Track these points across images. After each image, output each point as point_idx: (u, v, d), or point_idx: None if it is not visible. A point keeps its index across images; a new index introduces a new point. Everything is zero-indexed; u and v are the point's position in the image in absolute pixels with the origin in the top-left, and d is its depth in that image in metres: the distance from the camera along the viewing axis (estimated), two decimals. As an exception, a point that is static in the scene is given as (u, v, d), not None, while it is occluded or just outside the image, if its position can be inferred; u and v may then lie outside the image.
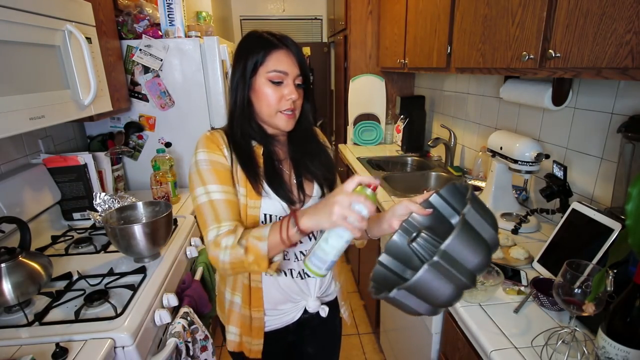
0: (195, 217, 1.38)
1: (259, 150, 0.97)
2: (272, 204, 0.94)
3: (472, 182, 1.90)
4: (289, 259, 1.00)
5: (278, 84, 0.91)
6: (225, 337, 1.06)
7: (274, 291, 1.01)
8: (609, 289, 0.77)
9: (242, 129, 0.96)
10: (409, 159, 2.65)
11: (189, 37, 2.00)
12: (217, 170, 0.91)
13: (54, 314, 1.07)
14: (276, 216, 0.95)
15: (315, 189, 1.01)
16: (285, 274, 1.00)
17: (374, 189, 0.77)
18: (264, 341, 1.03)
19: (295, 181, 0.99)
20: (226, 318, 1.05)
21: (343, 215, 0.72)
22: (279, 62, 0.90)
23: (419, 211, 0.82)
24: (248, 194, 0.92)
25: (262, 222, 0.95)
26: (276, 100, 0.92)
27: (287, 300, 1.03)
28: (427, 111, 2.78)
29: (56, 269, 1.28)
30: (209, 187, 0.89)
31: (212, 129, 1.04)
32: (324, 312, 1.09)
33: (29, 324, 1.02)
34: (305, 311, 1.07)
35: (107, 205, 1.45)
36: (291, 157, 1.02)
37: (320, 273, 0.80)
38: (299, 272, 1.01)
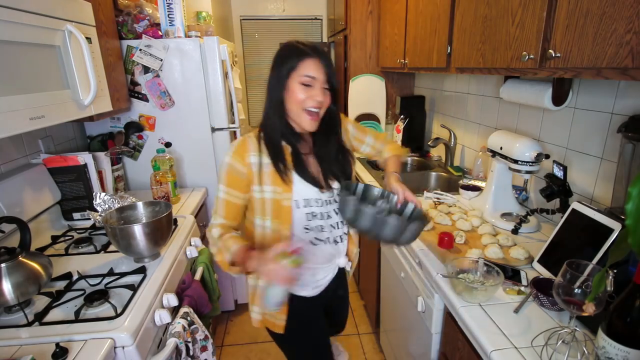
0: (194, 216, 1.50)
1: (287, 149, 1.11)
2: (304, 190, 1.11)
3: (472, 182, 1.90)
4: (325, 231, 1.17)
5: (308, 86, 1.06)
6: (256, 321, 1.24)
7: (318, 257, 1.19)
8: (609, 289, 0.77)
9: (274, 125, 1.10)
10: (409, 159, 2.65)
11: (189, 37, 2.00)
12: (232, 176, 1.09)
13: (54, 314, 1.07)
14: (314, 199, 1.13)
15: (335, 183, 1.18)
16: (324, 241, 1.19)
17: (296, 252, 0.96)
18: (306, 305, 1.23)
19: (320, 171, 1.16)
20: (250, 299, 1.23)
21: (271, 279, 0.96)
22: (309, 69, 1.05)
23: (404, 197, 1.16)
24: (280, 188, 1.09)
25: (298, 207, 1.12)
26: (304, 98, 1.05)
27: (327, 261, 1.22)
28: (427, 111, 2.78)
29: (56, 269, 1.28)
30: (221, 186, 1.10)
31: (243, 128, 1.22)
32: (348, 265, 1.31)
33: (29, 324, 1.02)
34: (337, 268, 1.27)
35: (107, 205, 1.45)
36: (315, 153, 1.18)
37: (275, 309, 1.10)
38: (334, 239, 1.20)
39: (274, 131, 1.10)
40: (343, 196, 1.07)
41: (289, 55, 1.06)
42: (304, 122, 1.08)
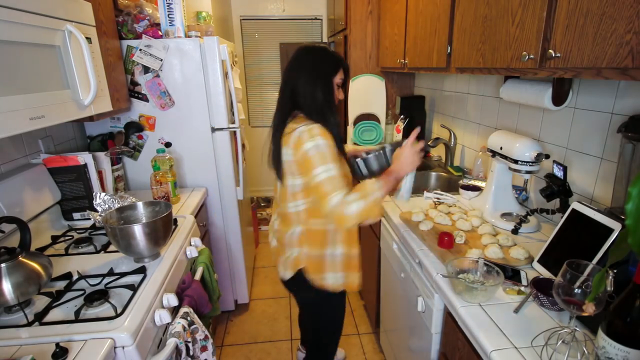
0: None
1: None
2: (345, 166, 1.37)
3: (472, 182, 1.90)
4: None
5: (339, 87, 1.36)
6: (326, 286, 1.40)
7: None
8: (609, 289, 0.77)
9: (331, 119, 1.30)
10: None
11: (189, 37, 2.00)
12: (332, 152, 1.24)
13: (54, 314, 1.07)
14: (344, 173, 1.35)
15: None
16: None
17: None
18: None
19: None
20: (335, 267, 1.40)
21: (418, 161, 1.31)
22: (342, 73, 1.34)
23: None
24: (344, 165, 1.33)
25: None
26: (337, 97, 1.36)
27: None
28: (427, 111, 2.78)
29: (56, 269, 1.28)
30: (329, 165, 1.21)
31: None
32: None
33: (29, 324, 1.02)
34: None
35: (107, 205, 1.45)
36: None
37: (407, 199, 1.40)
38: None
39: (333, 123, 1.30)
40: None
41: (332, 62, 1.32)
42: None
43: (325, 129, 1.26)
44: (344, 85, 1.38)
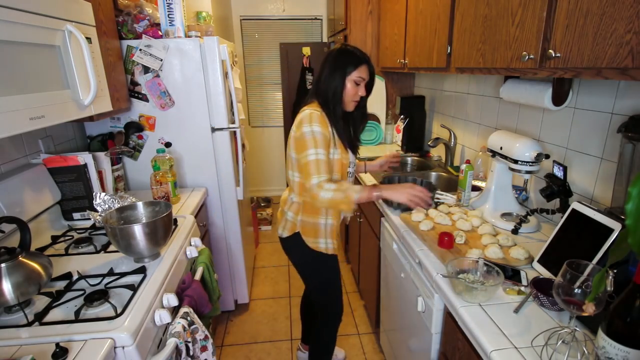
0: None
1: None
2: (350, 154, 1.57)
3: (472, 182, 1.90)
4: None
5: (358, 85, 1.47)
6: (319, 249, 1.60)
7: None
8: (609, 289, 0.77)
9: (336, 110, 1.48)
10: (409, 159, 2.65)
11: (189, 37, 2.00)
12: (325, 140, 1.42)
13: (54, 314, 1.07)
14: (352, 161, 1.58)
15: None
16: None
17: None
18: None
19: (352, 141, 1.59)
20: (326, 235, 1.60)
21: (410, 199, 1.43)
22: (362, 72, 1.46)
23: (394, 156, 1.88)
24: (342, 153, 1.50)
25: (349, 167, 1.57)
26: (354, 94, 1.49)
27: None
28: (427, 111, 2.78)
29: (56, 269, 1.28)
30: (319, 150, 1.39)
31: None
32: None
33: (29, 324, 1.02)
34: None
35: (107, 205, 1.45)
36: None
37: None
38: None
39: (336, 114, 1.48)
40: None
41: (350, 61, 1.45)
42: (349, 106, 1.52)
43: (327, 118, 1.45)
44: (370, 86, 1.52)
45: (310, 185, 1.39)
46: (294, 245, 1.63)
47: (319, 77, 1.51)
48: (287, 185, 1.67)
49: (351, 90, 1.47)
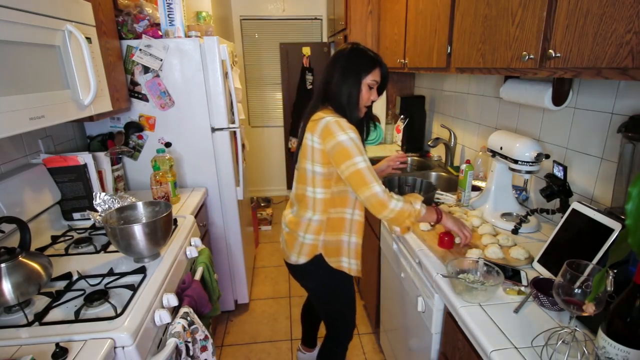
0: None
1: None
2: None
3: (472, 182, 1.90)
4: None
5: (371, 89, 1.37)
6: (342, 268, 1.48)
7: None
8: (609, 289, 0.77)
9: (353, 114, 1.37)
10: (409, 159, 2.65)
11: (189, 37, 2.00)
12: (361, 145, 1.30)
13: (54, 314, 1.07)
14: None
15: None
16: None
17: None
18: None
19: None
20: (349, 254, 1.47)
21: (461, 230, 1.30)
22: (376, 75, 1.36)
23: (399, 158, 1.69)
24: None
25: None
26: (367, 99, 1.39)
27: None
28: (427, 111, 2.78)
29: (56, 269, 1.28)
30: (365, 157, 1.27)
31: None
32: None
33: (29, 324, 1.02)
34: None
35: (107, 205, 1.45)
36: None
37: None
38: None
39: (353, 121, 1.35)
40: None
41: (364, 62, 1.34)
42: (362, 112, 1.43)
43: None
44: (382, 89, 1.41)
45: (375, 193, 1.24)
46: (314, 270, 1.47)
47: (328, 80, 1.38)
48: (292, 204, 1.52)
49: (365, 95, 1.37)
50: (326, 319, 1.66)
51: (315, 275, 1.50)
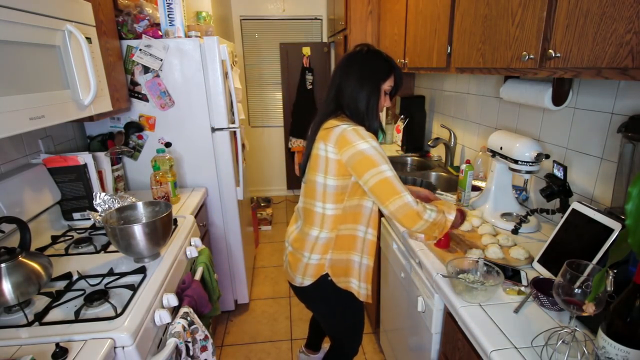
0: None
1: None
2: None
3: (472, 182, 1.90)
4: None
5: (386, 94, 1.30)
6: (351, 289, 1.39)
7: None
8: (609, 289, 0.77)
9: (372, 123, 1.28)
10: (409, 159, 2.65)
11: (189, 37, 2.00)
12: (384, 154, 1.21)
13: (54, 314, 1.07)
14: None
15: None
16: None
17: None
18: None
19: None
20: (360, 276, 1.38)
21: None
22: (392, 81, 1.29)
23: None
24: None
25: None
26: (382, 106, 1.32)
27: None
28: (427, 111, 2.78)
29: (56, 269, 1.28)
30: (391, 166, 1.18)
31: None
32: None
33: (29, 324, 1.02)
34: None
35: (107, 205, 1.45)
36: None
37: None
38: None
39: (373, 127, 1.28)
40: None
41: (382, 67, 1.27)
42: (379, 120, 1.33)
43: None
44: (395, 94, 1.34)
45: (407, 202, 1.15)
46: (320, 292, 1.39)
47: (341, 86, 1.27)
48: (297, 219, 1.44)
49: (382, 100, 1.29)
50: (333, 337, 1.61)
51: (322, 297, 1.41)
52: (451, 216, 1.21)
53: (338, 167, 1.22)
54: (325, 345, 1.99)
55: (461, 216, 1.27)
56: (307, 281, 1.37)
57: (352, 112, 1.27)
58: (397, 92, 1.33)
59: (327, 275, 1.35)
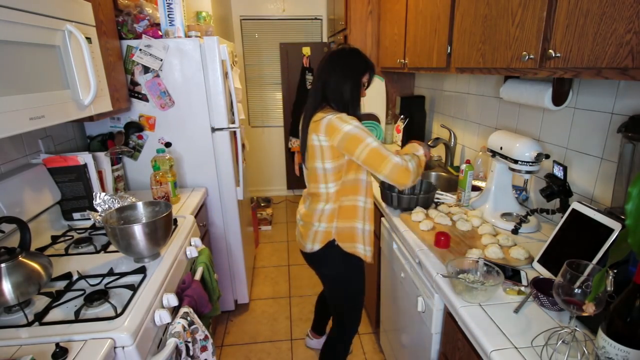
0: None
1: None
2: None
3: (472, 182, 1.90)
4: None
5: (363, 86, 1.50)
6: (358, 253, 1.56)
7: None
8: (609, 289, 0.77)
9: (356, 113, 1.46)
10: (409, 159, 2.64)
11: (189, 37, 2.00)
12: (367, 130, 1.39)
13: (54, 314, 1.07)
14: None
15: None
16: None
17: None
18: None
19: None
20: (364, 241, 1.55)
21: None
22: (368, 75, 1.49)
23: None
24: None
25: None
26: (361, 96, 1.50)
27: None
28: (427, 111, 2.78)
29: (56, 269, 1.28)
30: (374, 137, 1.36)
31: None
32: None
33: (29, 324, 1.02)
34: None
35: (107, 205, 1.45)
36: None
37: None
38: None
39: (357, 113, 1.46)
40: None
41: (361, 63, 1.46)
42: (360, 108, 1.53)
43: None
44: (368, 86, 1.54)
45: (395, 163, 1.34)
46: (328, 255, 1.55)
47: (326, 80, 1.45)
48: (305, 199, 1.62)
49: (362, 92, 1.51)
50: (336, 308, 1.72)
51: (330, 260, 1.58)
52: (420, 152, 1.49)
53: (332, 152, 1.40)
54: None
55: (426, 148, 1.54)
56: (317, 246, 1.54)
57: (337, 102, 1.45)
58: (369, 84, 1.54)
59: (334, 240, 1.52)
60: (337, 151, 1.40)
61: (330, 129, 1.37)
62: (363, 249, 1.56)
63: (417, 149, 1.51)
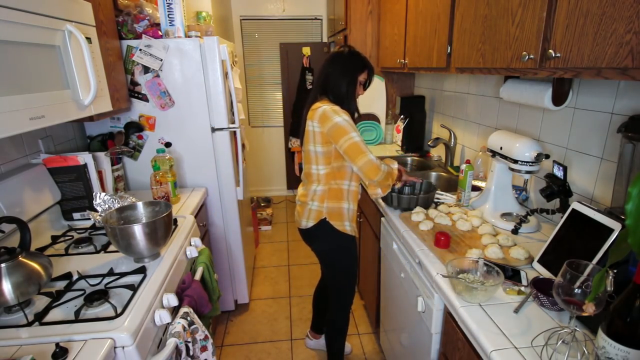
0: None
1: None
2: None
3: (472, 182, 1.90)
4: None
5: (361, 84, 1.66)
6: (346, 231, 1.71)
7: None
8: (609, 289, 0.77)
9: (351, 104, 1.64)
10: (409, 159, 2.65)
11: (189, 37, 2.00)
12: (355, 126, 1.57)
13: (54, 314, 1.07)
14: None
15: None
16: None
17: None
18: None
19: None
20: (349, 218, 1.72)
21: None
22: (366, 75, 1.65)
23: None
24: None
25: None
26: (358, 92, 1.67)
27: None
28: (427, 111, 2.78)
29: (56, 269, 1.28)
30: (358, 133, 1.54)
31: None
32: None
33: (29, 324, 1.02)
34: None
35: (107, 205, 1.45)
36: None
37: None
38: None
39: (351, 110, 1.64)
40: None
41: (359, 63, 1.63)
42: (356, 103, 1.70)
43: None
44: (367, 85, 1.71)
45: (370, 159, 1.50)
46: (321, 232, 1.71)
47: (327, 75, 1.63)
48: (303, 182, 1.78)
49: (358, 89, 1.66)
50: (331, 283, 1.84)
51: (322, 235, 1.73)
52: (394, 166, 1.66)
53: (322, 137, 1.57)
54: None
55: (401, 170, 1.73)
56: (310, 223, 1.70)
57: (335, 95, 1.62)
58: (369, 84, 1.71)
59: (325, 219, 1.68)
60: (326, 138, 1.56)
61: (323, 118, 1.54)
62: (350, 226, 1.73)
63: (393, 162, 1.69)
